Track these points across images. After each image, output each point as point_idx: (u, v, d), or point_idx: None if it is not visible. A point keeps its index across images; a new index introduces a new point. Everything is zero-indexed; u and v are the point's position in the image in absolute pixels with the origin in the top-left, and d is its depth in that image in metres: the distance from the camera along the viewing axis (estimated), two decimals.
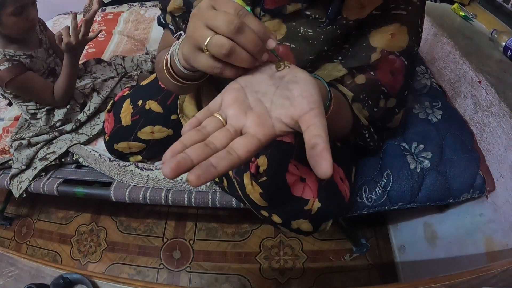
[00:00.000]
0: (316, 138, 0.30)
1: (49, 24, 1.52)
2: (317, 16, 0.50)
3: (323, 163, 0.28)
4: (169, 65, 0.45)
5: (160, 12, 0.66)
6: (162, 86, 0.85)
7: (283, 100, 0.34)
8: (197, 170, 0.27)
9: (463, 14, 1.01)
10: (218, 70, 0.35)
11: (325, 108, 0.42)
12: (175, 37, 0.59)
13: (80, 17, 0.99)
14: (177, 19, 0.60)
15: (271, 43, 0.35)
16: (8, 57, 0.90)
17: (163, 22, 0.64)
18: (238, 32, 0.32)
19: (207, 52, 0.34)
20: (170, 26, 0.63)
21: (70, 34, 0.88)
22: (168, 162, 0.27)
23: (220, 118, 0.33)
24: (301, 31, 0.52)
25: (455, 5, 1.04)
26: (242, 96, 0.35)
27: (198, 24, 0.34)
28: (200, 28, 0.34)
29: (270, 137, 0.33)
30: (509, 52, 0.81)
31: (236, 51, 0.33)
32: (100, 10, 1.00)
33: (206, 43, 0.33)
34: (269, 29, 0.35)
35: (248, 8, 0.35)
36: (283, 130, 0.33)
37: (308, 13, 0.50)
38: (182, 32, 0.58)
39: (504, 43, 0.82)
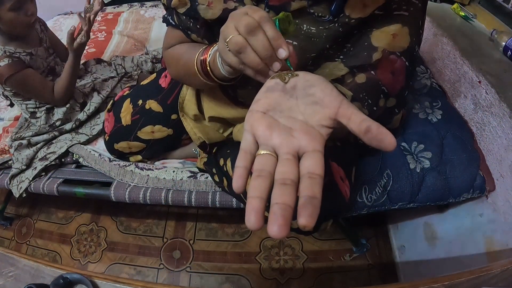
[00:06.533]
0: (364, 122, 0.31)
1: (49, 24, 1.52)
2: (320, 14, 0.50)
3: (386, 138, 0.29)
4: (208, 68, 0.49)
5: (163, 11, 0.63)
6: (163, 85, 0.85)
7: (312, 106, 0.33)
8: (305, 210, 0.25)
9: (463, 14, 1.01)
10: (241, 66, 0.39)
11: None
12: (205, 48, 0.54)
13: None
14: (183, 17, 0.57)
15: (282, 53, 0.37)
16: (8, 53, 0.90)
17: (173, 23, 0.60)
18: (250, 33, 0.36)
19: (228, 48, 0.38)
20: (180, 27, 0.59)
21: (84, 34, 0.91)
22: (273, 222, 0.24)
23: (267, 152, 0.30)
24: (304, 28, 0.52)
25: (455, 5, 1.04)
26: (272, 121, 0.33)
27: (230, 24, 0.38)
28: (229, 28, 0.38)
29: (324, 144, 0.32)
30: (509, 52, 0.81)
31: (246, 50, 0.37)
32: (100, 10, 1.01)
33: (227, 40, 0.37)
34: (285, 41, 0.37)
35: (276, 20, 0.38)
36: (327, 133, 0.33)
37: (312, 10, 0.51)
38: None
39: (504, 43, 0.82)
